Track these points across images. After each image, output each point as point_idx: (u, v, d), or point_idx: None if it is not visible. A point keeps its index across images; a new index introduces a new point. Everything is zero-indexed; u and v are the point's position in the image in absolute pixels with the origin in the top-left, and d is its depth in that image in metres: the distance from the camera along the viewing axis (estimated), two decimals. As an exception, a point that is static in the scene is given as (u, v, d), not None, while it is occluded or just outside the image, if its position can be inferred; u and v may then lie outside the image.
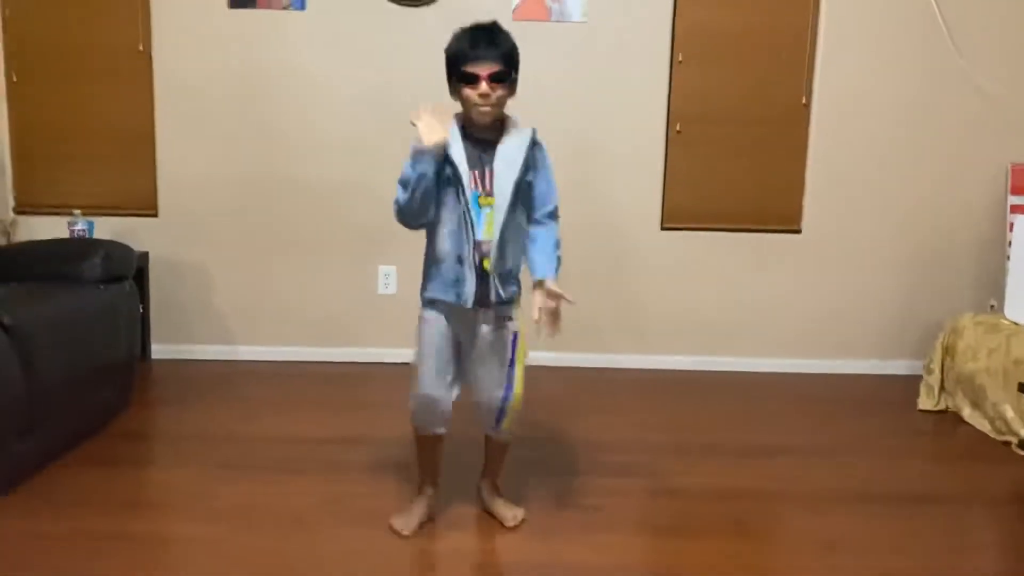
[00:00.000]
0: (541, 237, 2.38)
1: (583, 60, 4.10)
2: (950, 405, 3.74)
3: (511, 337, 2.40)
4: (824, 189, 4.21)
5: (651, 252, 4.24)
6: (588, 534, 2.48)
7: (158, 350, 4.24)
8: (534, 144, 2.33)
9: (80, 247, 3.44)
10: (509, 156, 2.29)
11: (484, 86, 2.22)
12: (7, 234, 4.03)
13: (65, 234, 3.88)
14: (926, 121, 4.16)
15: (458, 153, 2.26)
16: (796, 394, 3.99)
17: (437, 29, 3.97)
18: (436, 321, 2.38)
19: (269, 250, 4.21)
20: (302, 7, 4.03)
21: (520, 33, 3.94)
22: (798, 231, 4.25)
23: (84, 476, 2.79)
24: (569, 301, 2.30)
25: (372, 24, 4.05)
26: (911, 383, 3.94)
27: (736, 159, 4.18)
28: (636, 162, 4.18)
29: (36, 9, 4.02)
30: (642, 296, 4.28)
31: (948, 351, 3.78)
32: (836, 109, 4.14)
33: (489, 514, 2.56)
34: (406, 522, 2.46)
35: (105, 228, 4.00)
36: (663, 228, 4.23)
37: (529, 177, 2.33)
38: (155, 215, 4.18)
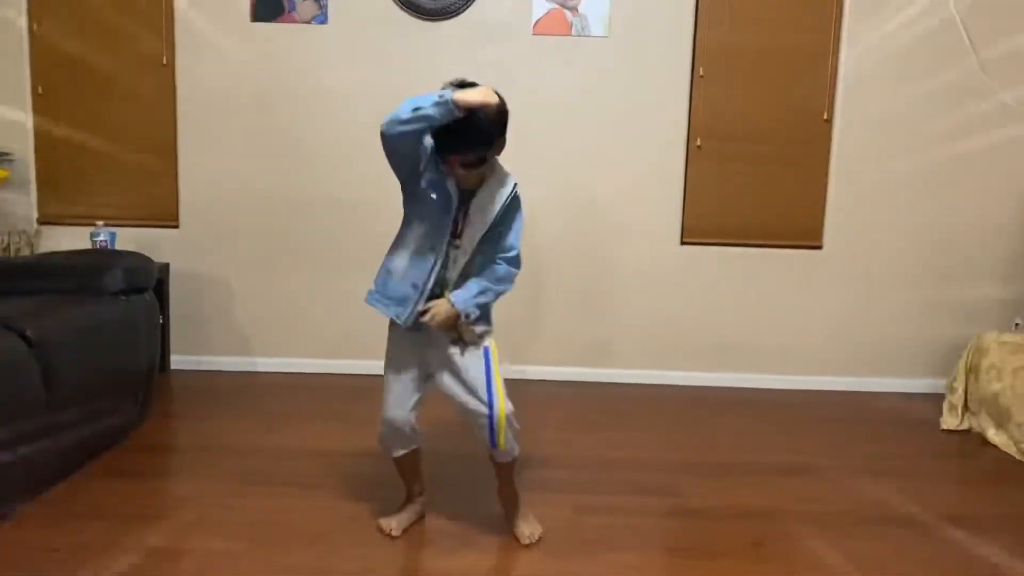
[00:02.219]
0: (486, 273, 2.38)
1: (604, 75, 4.09)
2: (974, 425, 3.69)
3: (482, 354, 2.41)
4: (846, 205, 4.17)
5: (671, 267, 4.23)
6: (603, 553, 2.46)
7: (177, 361, 4.26)
8: (512, 199, 2.35)
9: (102, 258, 3.46)
10: (484, 207, 2.32)
11: (460, 171, 2.26)
12: (30, 245, 4.06)
13: (87, 245, 3.91)
14: (950, 137, 4.12)
15: (452, 186, 2.30)
16: (816, 412, 3.95)
17: (459, 42, 4.04)
18: (399, 343, 2.48)
19: (288, 263, 4.23)
20: (324, 21, 4.06)
21: (541, 47, 4.00)
22: (819, 247, 4.22)
23: (102, 488, 2.80)
24: (430, 326, 2.33)
25: (394, 38, 4.07)
26: (934, 402, 3.90)
27: (757, 174, 4.16)
28: (656, 177, 4.17)
29: (63, 24, 4.07)
30: (661, 311, 4.26)
31: (972, 370, 3.73)
32: (858, 125, 4.11)
33: (511, 529, 2.55)
34: (394, 524, 2.52)
35: (127, 239, 4.03)
36: (683, 243, 4.21)
37: (500, 228, 2.36)
38: (176, 227, 4.21)
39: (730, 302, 4.25)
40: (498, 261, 2.38)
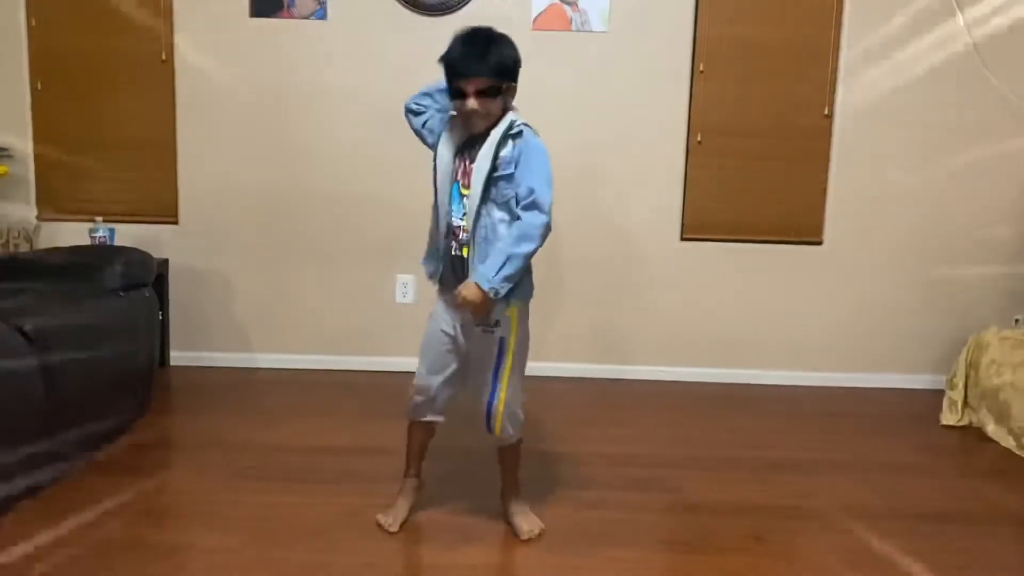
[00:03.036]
0: (505, 237, 2.28)
1: (604, 70, 4.09)
2: (973, 420, 3.69)
3: (497, 341, 2.39)
4: (846, 201, 4.17)
5: (671, 263, 4.22)
6: (605, 548, 2.46)
7: (177, 357, 4.26)
8: (512, 137, 2.30)
9: (101, 254, 3.47)
10: (484, 152, 2.31)
11: (472, 102, 2.25)
12: (29, 241, 4.06)
13: (86, 241, 3.91)
14: (950, 133, 4.12)
15: (445, 143, 2.36)
16: (817, 408, 3.95)
17: (458, 39, 4.03)
18: (436, 310, 2.49)
19: (288, 258, 4.23)
20: (324, 17, 4.05)
21: (541, 43, 3.99)
22: (820, 243, 4.21)
23: (101, 483, 2.79)
24: (470, 303, 2.26)
25: (393, 34, 4.06)
26: (934, 398, 3.90)
27: (757, 170, 4.15)
28: (656, 172, 4.16)
29: (61, 19, 4.06)
30: (662, 307, 4.25)
31: (972, 366, 3.73)
32: (859, 120, 4.11)
33: (509, 525, 2.55)
34: (391, 519, 2.53)
35: (126, 235, 4.02)
36: (683, 239, 4.21)
37: (508, 171, 2.29)
38: (175, 223, 4.21)
39: (730, 298, 4.25)
40: (518, 214, 2.26)
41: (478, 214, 2.30)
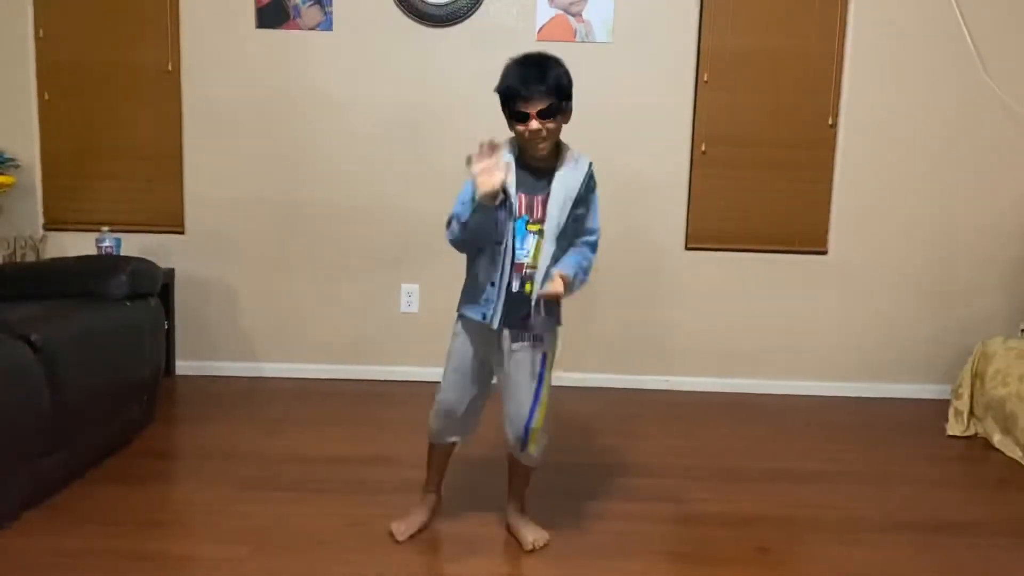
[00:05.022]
0: (571, 252, 2.38)
1: (608, 80, 4.09)
2: (979, 431, 3.68)
3: (540, 356, 2.40)
4: (851, 210, 4.17)
5: (676, 273, 4.22)
6: (609, 560, 2.45)
7: (183, 366, 4.27)
8: (590, 178, 2.35)
9: (107, 264, 3.47)
10: (567, 185, 2.31)
11: (535, 124, 2.24)
12: (36, 250, 4.07)
13: (93, 250, 3.92)
14: (954, 142, 4.12)
15: (511, 181, 2.29)
16: (821, 418, 3.94)
17: (464, 48, 4.05)
18: (464, 337, 2.45)
19: (293, 268, 4.24)
20: (329, 28, 4.07)
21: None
22: (824, 252, 4.21)
23: (107, 493, 2.80)
24: (552, 293, 2.28)
25: (399, 44, 4.08)
26: (939, 408, 3.89)
27: (762, 180, 4.15)
28: (661, 182, 4.17)
29: (68, 30, 4.09)
30: (667, 317, 4.25)
31: (978, 376, 3.73)
32: (863, 130, 4.11)
33: (513, 536, 2.55)
34: (404, 527, 2.53)
35: (132, 245, 4.03)
36: (687, 248, 4.21)
37: (580, 210, 2.35)
38: (181, 232, 4.22)
39: (735, 308, 4.25)
40: (577, 245, 2.38)
41: (555, 247, 2.32)
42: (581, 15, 4.04)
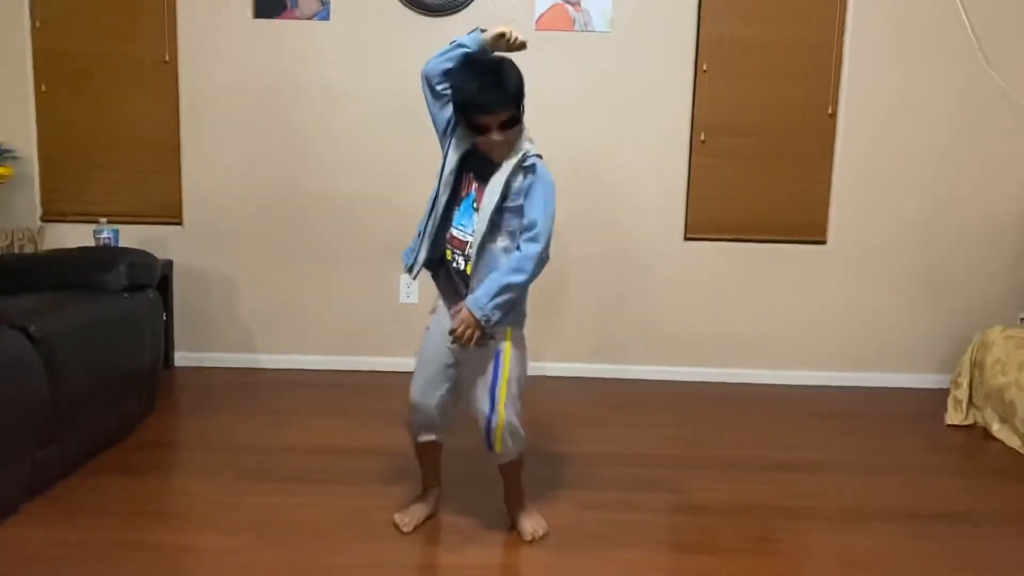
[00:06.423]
0: (503, 266, 2.31)
1: (607, 70, 4.08)
2: (978, 420, 3.68)
3: (493, 355, 2.37)
4: (850, 200, 4.16)
5: (675, 262, 4.22)
6: (609, 549, 2.46)
7: (181, 358, 4.27)
8: (523, 169, 2.30)
9: (105, 255, 3.46)
10: (497, 180, 2.29)
11: (497, 135, 2.24)
12: (34, 242, 4.06)
13: (91, 242, 3.91)
14: (954, 131, 4.11)
15: (454, 149, 2.33)
16: (821, 408, 3.94)
17: (461, 39, 4.03)
18: (432, 330, 2.46)
19: (292, 259, 4.23)
20: (327, 18, 4.05)
21: (543, 43, 3.99)
22: (824, 242, 4.21)
23: (106, 485, 2.80)
24: (455, 337, 2.29)
25: (397, 34, 4.06)
26: (938, 397, 3.89)
27: (761, 169, 4.15)
28: (660, 172, 4.16)
29: (65, 20, 4.07)
30: (665, 307, 4.25)
31: (977, 365, 3.72)
32: (863, 119, 4.10)
33: (513, 526, 2.55)
34: (408, 519, 2.53)
35: (130, 236, 4.03)
36: (687, 238, 4.21)
37: (517, 202, 2.31)
38: (179, 224, 4.22)
39: (734, 297, 4.24)
40: (519, 245, 2.30)
41: (484, 237, 2.29)
42: (579, 4, 4.02)
